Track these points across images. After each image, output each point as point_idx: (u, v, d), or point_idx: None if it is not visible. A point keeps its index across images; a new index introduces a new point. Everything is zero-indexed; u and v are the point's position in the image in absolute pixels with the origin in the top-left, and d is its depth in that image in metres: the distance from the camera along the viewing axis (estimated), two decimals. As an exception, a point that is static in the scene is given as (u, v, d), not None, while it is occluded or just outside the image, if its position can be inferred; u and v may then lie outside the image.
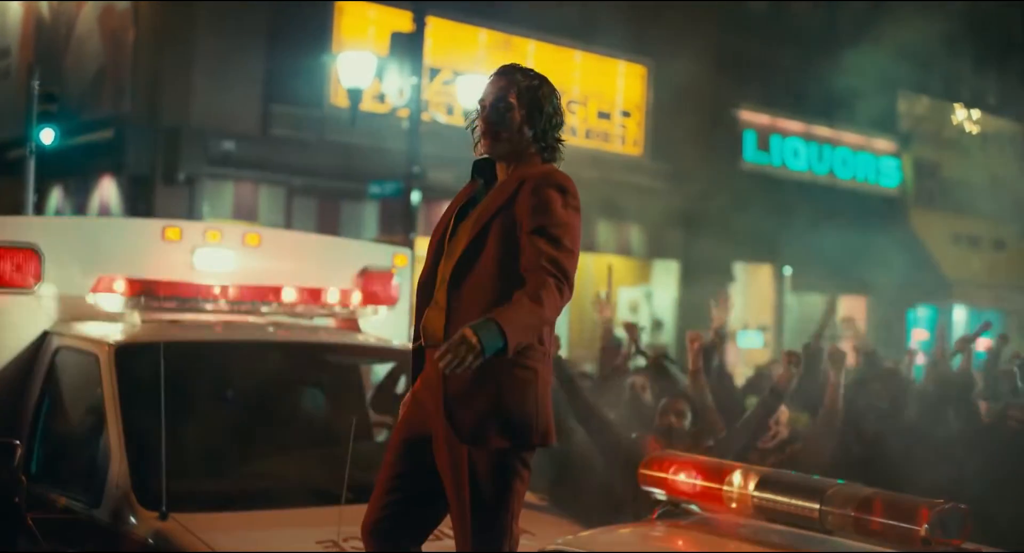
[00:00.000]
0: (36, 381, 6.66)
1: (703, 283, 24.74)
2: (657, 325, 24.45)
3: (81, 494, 6.01)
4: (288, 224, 18.89)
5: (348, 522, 5.04)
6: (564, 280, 4.22)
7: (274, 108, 19.26)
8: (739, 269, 25.87)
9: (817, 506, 5.07)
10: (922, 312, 29.97)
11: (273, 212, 19.23)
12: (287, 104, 19.32)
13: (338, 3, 19.63)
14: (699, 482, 5.41)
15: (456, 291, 4.33)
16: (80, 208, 19.48)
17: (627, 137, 24.10)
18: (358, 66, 15.90)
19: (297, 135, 19.36)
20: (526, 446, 4.34)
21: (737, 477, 5.33)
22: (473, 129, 4.54)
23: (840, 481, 5.16)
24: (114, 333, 6.42)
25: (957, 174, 30.73)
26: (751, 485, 5.27)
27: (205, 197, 18.51)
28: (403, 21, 18.08)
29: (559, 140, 4.57)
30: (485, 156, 4.54)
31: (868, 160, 28.49)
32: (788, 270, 25.59)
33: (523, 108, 4.44)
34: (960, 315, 31.22)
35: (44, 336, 6.71)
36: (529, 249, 4.24)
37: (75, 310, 6.73)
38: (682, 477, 5.53)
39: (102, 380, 6.12)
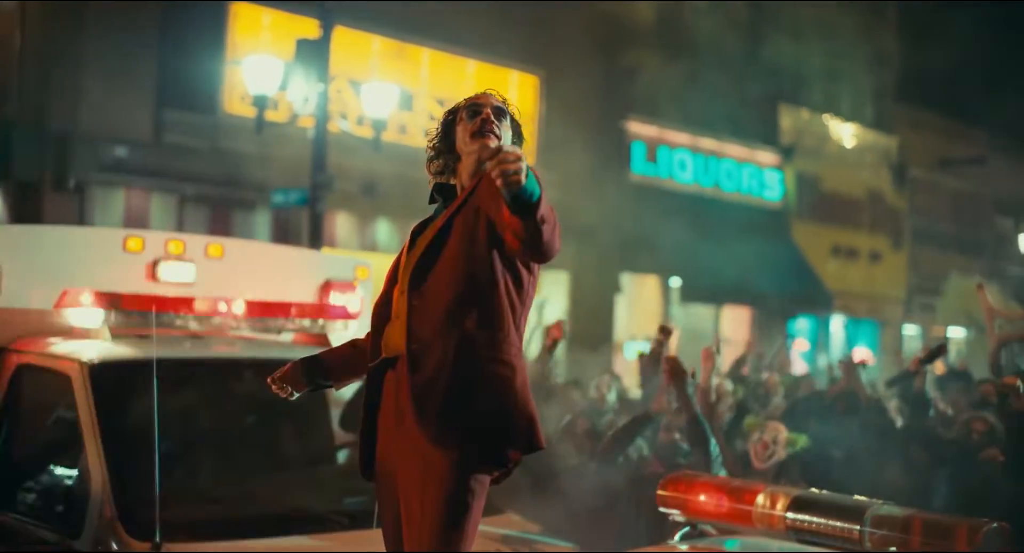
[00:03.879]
0: (-7, 402, 6.24)
1: (592, 294, 24.83)
2: (551, 336, 24.35)
3: (55, 524, 5.62)
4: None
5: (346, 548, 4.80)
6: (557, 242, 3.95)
7: (167, 114, 18.69)
8: (627, 280, 25.96)
9: (858, 527, 4.98)
10: (803, 323, 30.48)
11: (164, 221, 18.66)
12: (180, 110, 18.76)
13: (233, 7, 19.13)
14: (726, 503, 5.30)
15: (415, 293, 4.16)
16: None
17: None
18: (264, 72, 15.50)
19: (190, 142, 18.82)
20: (508, 450, 4.08)
21: (766, 498, 5.22)
22: (435, 144, 4.54)
23: (879, 501, 5.08)
24: (86, 350, 6.05)
25: (836, 187, 31.33)
26: (781, 505, 5.17)
27: (96, 205, 17.87)
28: (300, 26, 17.75)
29: None
30: (441, 181, 4.49)
31: (752, 172, 28.83)
32: (675, 281, 25.74)
33: (511, 127, 4.45)
34: (838, 325, 31.85)
35: (2, 353, 6.29)
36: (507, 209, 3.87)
37: (37, 326, 6.32)
38: (703, 498, 5.40)
39: (76, 400, 5.75)
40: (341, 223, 20.18)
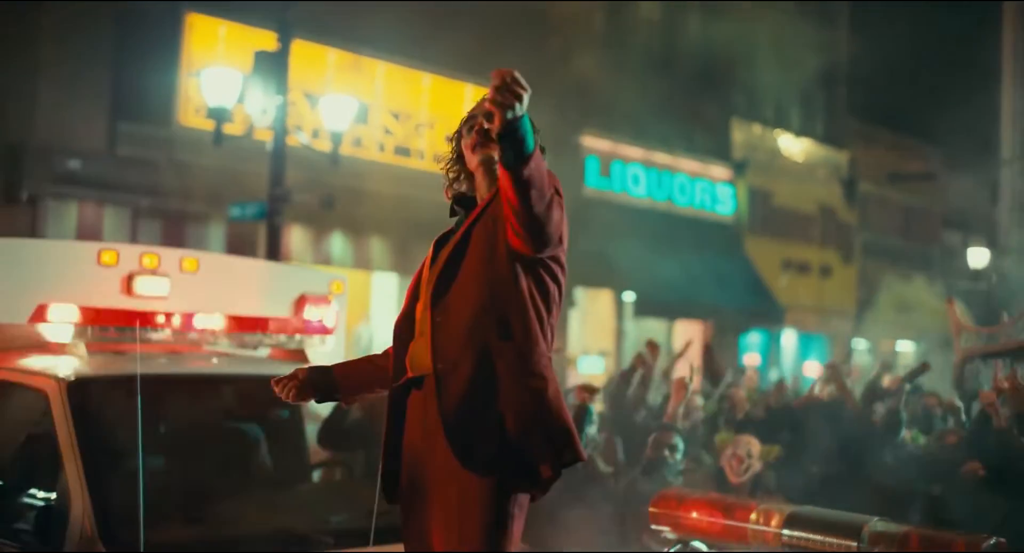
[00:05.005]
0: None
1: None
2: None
3: (35, 544, 5.49)
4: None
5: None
6: (561, 226, 3.93)
7: (121, 126, 18.48)
8: (580, 294, 25.96)
9: (855, 543, 4.97)
10: (754, 337, 30.63)
11: (118, 234, 18.43)
12: (135, 122, 18.56)
13: (189, 18, 18.97)
14: (719, 520, 5.26)
15: (439, 305, 4.04)
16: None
17: (473, 161, 23.97)
18: (222, 84, 15.36)
19: (144, 154, 18.63)
20: (546, 467, 3.92)
21: (759, 514, 5.19)
22: (451, 167, 4.43)
23: (874, 517, 5.07)
24: (63, 366, 5.92)
25: (788, 202, 31.53)
26: (776, 522, 5.14)
27: (49, 217, 17.63)
28: (256, 39, 17.62)
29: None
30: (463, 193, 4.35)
31: (705, 187, 28.96)
32: (629, 295, 25.77)
33: None
34: (789, 339, 32.04)
35: (-31, 370, 6.14)
36: None
37: (11, 341, 6.19)
38: (695, 515, 5.37)
39: (53, 417, 5.62)
40: (295, 237, 20.03)
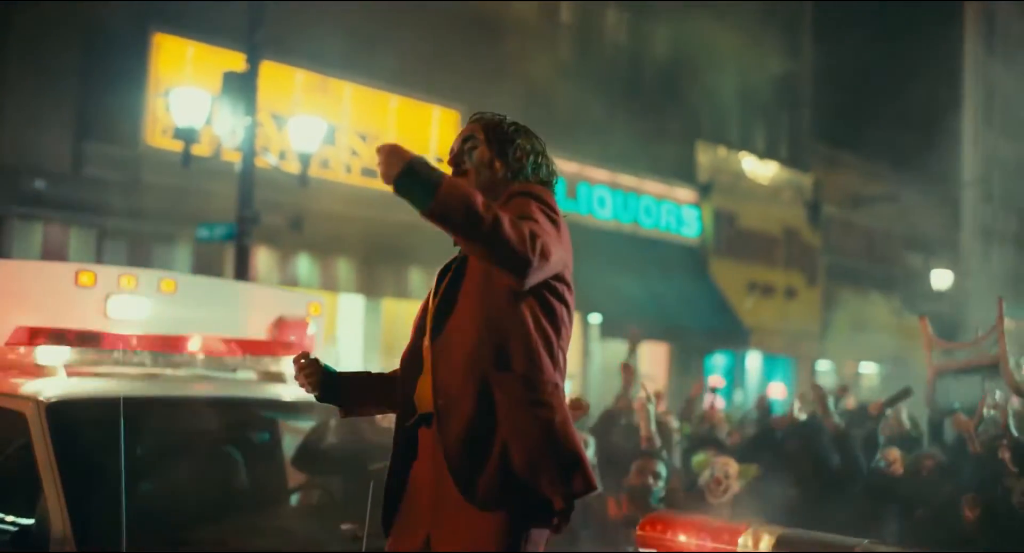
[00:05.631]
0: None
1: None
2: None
3: (11, 569, 5.42)
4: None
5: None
6: (535, 242, 3.68)
7: (87, 146, 18.39)
8: (546, 316, 25.93)
9: (845, 565, 4.95)
10: (719, 359, 30.71)
11: (83, 254, 18.31)
12: (101, 142, 18.47)
13: (156, 39, 18.90)
14: (708, 543, 5.25)
15: (438, 340, 3.93)
16: None
17: (440, 183, 23.94)
18: (191, 105, 15.29)
19: (110, 175, 18.52)
20: (558, 498, 3.79)
21: (748, 537, 5.19)
22: None
23: (864, 540, 5.07)
24: (42, 388, 5.85)
25: (753, 224, 31.68)
26: (765, 544, 5.14)
27: (14, 238, 17.48)
28: (223, 59, 17.56)
29: (549, 182, 4.28)
30: None
31: (671, 209, 29.06)
32: (595, 317, 25.79)
33: (491, 143, 4.19)
34: (754, 361, 32.13)
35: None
36: None
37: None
38: (684, 538, 5.36)
39: (32, 440, 5.55)
40: (262, 258, 19.95)
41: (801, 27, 33.95)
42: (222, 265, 18.50)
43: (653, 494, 6.91)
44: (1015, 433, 7.70)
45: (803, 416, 8.16)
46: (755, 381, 31.77)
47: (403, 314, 21.36)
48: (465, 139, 4.24)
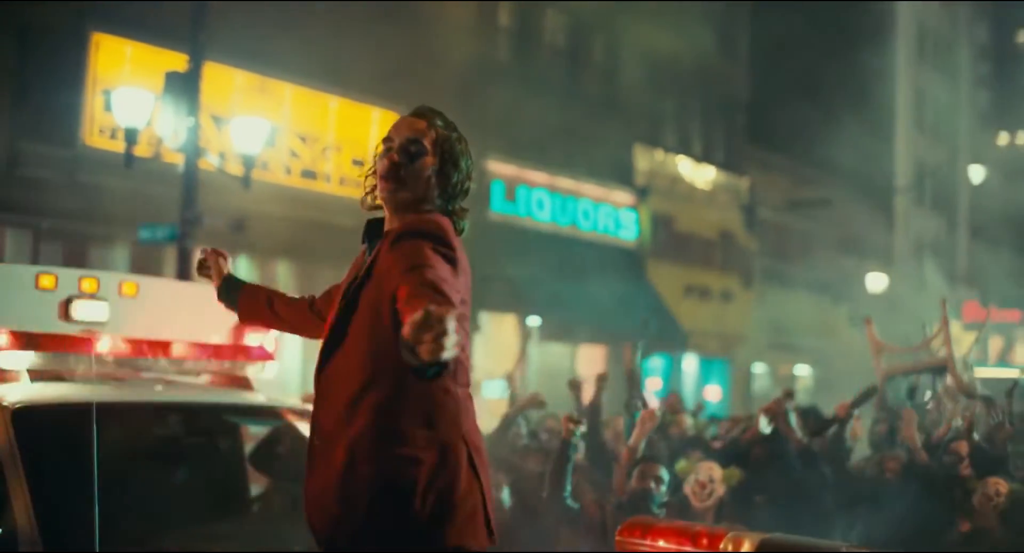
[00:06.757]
0: None
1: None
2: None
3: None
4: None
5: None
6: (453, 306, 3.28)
7: (23, 146, 18.09)
8: (484, 318, 25.93)
9: (829, 570, 4.96)
10: (657, 361, 30.83)
11: (19, 256, 18.02)
12: (37, 142, 18.18)
13: (95, 38, 18.64)
14: (689, 548, 5.23)
15: (322, 374, 3.73)
16: None
17: (379, 185, 23.84)
18: (134, 105, 15.09)
19: (46, 175, 18.24)
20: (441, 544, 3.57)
21: (729, 542, 5.18)
22: (368, 176, 3.99)
23: (846, 544, 5.08)
24: (6, 393, 5.71)
25: (689, 227, 31.86)
26: (746, 550, 5.13)
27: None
28: (163, 60, 17.38)
29: (464, 210, 3.95)
30: (376, 215, 3.96)
31: (609, 212, 29.15)
32: (535, 320, 25.79)
33: (437, 156, 3.85)
34: (691, 364, 32.30)
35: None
36: (401, 290, 3.41)
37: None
38: (663, 543, 5.33)
39: (-3, 447, 5.43)
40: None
41: (738, 32, 34.20)
42: (160, 267, 18.28)
43: (655, 499, 6.90)
44: (976, 436, 7.81)
45: (768, 430, 8.15)
46: (692, 383, 31.94)
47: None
48: (412, 140, 3.85)
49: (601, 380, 9.55)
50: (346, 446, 3.59)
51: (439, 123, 3.93)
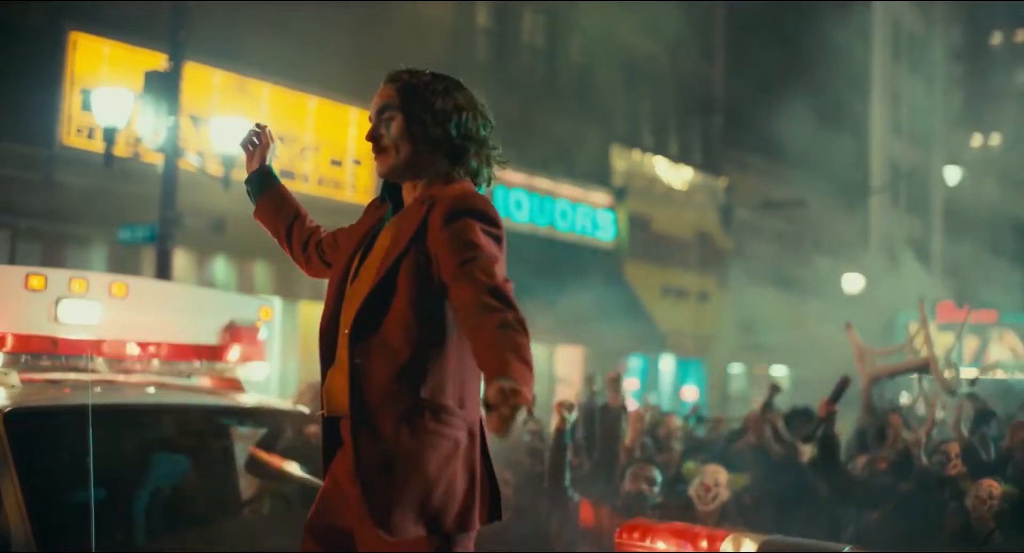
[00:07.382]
0: None
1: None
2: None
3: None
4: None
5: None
6: (519, 313, 3.37)
7: (-1, 145, 17.97)
8: (462, 320, 25.88)
9: (830, 571, 4.96)
10: (634, 362, 30.85)
11: (-5, 256, 17.91)
12: (13, 142, 18.03)
13: (72, 37, 18.50)
14: (688, 550, 5.23)
15: (360, 346, 3.61)
16: None
17: (358, 185, 23.74)
18: (113, 104, 15.00)
19: (23, 175, 18.09)
20: (439, 533, 3.57)
21: (730, 544, 5.18)
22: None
23: (847, 546, 5.09)
24: (-2, 396, 5.67)
25: (666, 228, 31.89)
26: (746, 550, 5.14)
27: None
28: (141, 59, 17.29)
29: (484, 146, 3.95)
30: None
31: (586, 213, 29.15)
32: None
33: (407, 111, 3.81)
34: (668, 364, 32.33)
35: None
36: (462, 289, 3.45)
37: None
38: (663, 545, 5.34)
39: (-10, 450, 5.37)
40: (179, 260, 19.62)
41: (714, 33, 34.27)
42: (139, 268, 18.16)
43: (648, 500, 6.90)
44: (965, 434, 7.83)
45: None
46: (669, 384, 31.99)
47: (319, 317, 21.15)
48: (381, 110, 3.84)
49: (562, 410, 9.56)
50: (394, 422, 3.56)
51: (404, 77, 3.90)
